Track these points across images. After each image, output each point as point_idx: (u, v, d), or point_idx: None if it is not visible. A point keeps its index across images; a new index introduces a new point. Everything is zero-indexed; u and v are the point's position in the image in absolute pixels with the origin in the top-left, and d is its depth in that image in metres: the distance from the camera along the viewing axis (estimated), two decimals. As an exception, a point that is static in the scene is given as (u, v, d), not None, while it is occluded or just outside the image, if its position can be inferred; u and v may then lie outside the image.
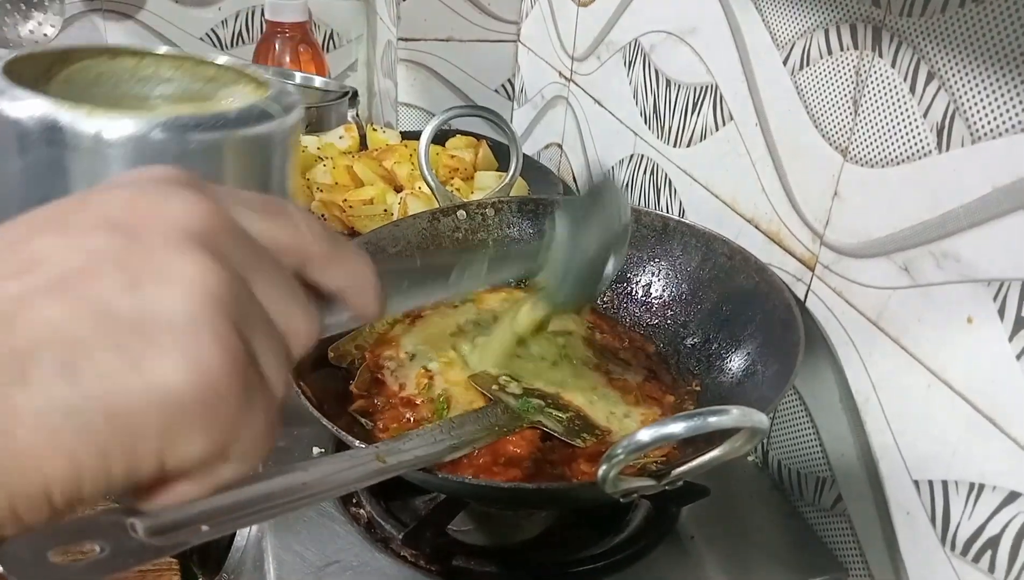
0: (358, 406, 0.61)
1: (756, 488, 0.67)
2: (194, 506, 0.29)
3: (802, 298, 0.64)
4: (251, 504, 0.33)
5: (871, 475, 0.58)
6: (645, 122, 0.88)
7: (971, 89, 0.48)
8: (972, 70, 0.48)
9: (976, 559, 0.50)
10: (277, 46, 1.21)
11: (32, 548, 0.26)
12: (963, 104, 0.48)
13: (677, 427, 0.43)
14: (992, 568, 0.49)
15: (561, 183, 1.07)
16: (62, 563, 0.27)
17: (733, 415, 0.44)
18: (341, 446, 0.66)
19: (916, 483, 0.54)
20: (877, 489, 0.58)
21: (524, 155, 0.86)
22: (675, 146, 0.83)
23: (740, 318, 0.65)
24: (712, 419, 0.43)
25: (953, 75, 0.49)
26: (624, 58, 0.92)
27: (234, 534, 0.61)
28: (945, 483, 0.52)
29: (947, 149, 0.50)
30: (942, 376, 0.51)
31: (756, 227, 0.70)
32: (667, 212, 0.84)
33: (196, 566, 0.64)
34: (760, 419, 0.43)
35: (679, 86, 0.81)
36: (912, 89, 0.52)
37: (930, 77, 0.51)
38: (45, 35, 1.27)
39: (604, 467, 0.44)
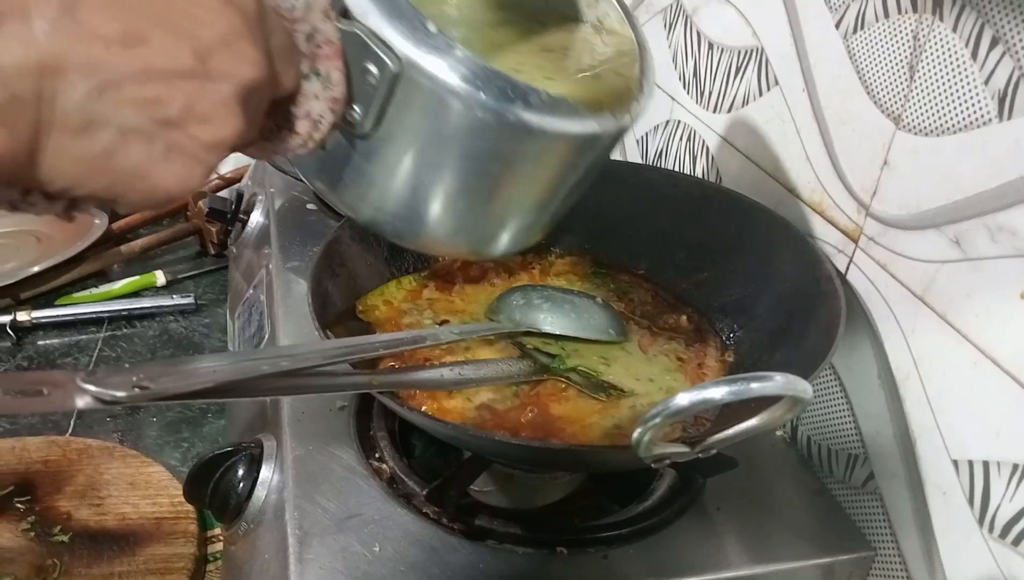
0: (384, 364, 0.60)
1: (784, 463, 0.66)
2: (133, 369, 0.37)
3: (843, 270, 0.62)
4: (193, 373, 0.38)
5: (907, 453, 0.57)
6: (684, 87, 0.86)
7: (1039, 55, 0.46)
8: (1041, 35, 0.46)
9: (1016, 542, 0.48)
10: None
11: None
12: (1030, 70, 0.46)
13: (718, 392, 0.41)
14: (1033, 552, 0.47)
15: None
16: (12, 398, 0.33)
17: (777, 382, 0.42)
18: (365, 402, 0.65)
19: (955, 463, 0.52)
20: (912, 468, 0.56)
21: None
22: (715, 112, 0.81)
23: (778, 289, 0.64)
24: (755, 385, 0.42)
25: (1019, 40, 0.47)
26: (664, 20, 0.89)
27: (254, 484, 0.61)
28: (986, 463, 0.50)
29: (1008, 118, 0.48)
30: (989, 353, 0.50)
31: (798, 197, 0.68)
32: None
33: (215, 515, 0.64)
34: (804, 387, 0.42)
35: (722, 49, 0.79)
36: (974, 55, 0.50)
37: (994, 42, 0.49)
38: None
39: (639, 430, 0.43)
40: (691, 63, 0.84)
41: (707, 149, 0.83)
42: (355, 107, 0.42)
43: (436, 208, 0.47)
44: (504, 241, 0.51)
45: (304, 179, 0.50)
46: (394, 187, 0.46)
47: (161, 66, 0.31)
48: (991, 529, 0.50)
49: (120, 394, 0.36)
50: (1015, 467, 0.48)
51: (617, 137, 0.49)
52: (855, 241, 0.61)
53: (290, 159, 0.44)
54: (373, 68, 0.41)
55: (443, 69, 0.41)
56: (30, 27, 0.27)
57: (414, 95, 0.42)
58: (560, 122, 0.44)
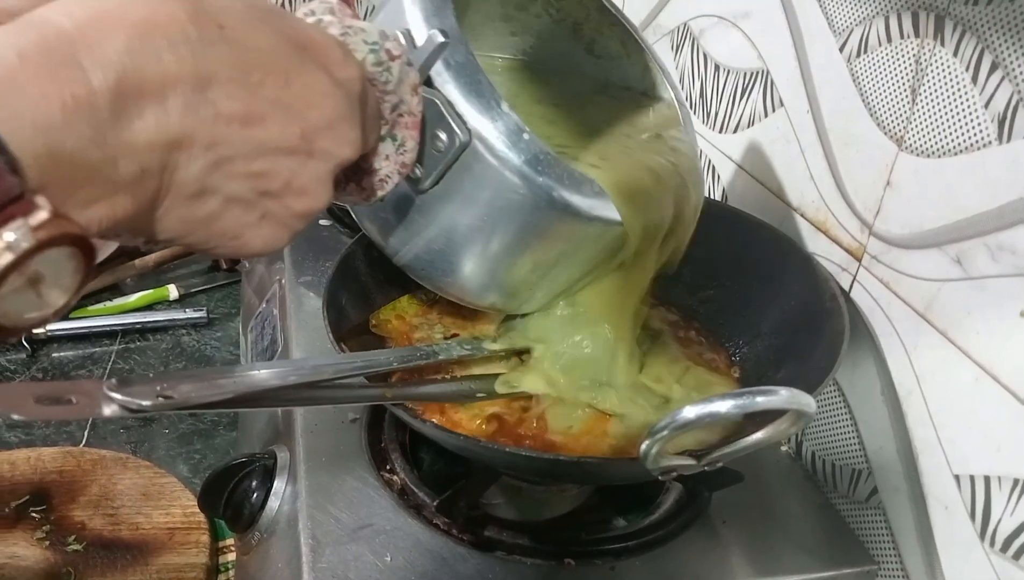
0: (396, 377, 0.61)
1: (789, 478, 0.67)
2: (157, 378, 0.38)
3: (847, 288, 0.63)
4: (208, 386, 0.40)
5: (909, 468, 0.57)
6: (691, 107, 0.87)
7: (1037, 80, 0.47)
8: (1039, 60, 0.47)
9: (1016, 556, 0.49)
10: None
11: (20, 392, 0.34)
12: (1028, 95, 0.48)
13: (724, 405, 0.42)
14: (1033, 566, 0.48)
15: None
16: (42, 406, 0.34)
17: (782, 396, 0.43)
18: (376, 414, 0.66)
19: (957, 478, 0.53)
20: (915, 483, 0.57)
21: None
22: (721, 132, 0.82)
23: (783, 307, 0.65)
24: (760, 399, 0.43)
25: (1018, 65, 0.48)
26: (672, 42, 0.91)
27: (268, 494, 0.62)
28: (988, 478, 0.51)
29: (1008, 140, 0.49)
30: (990, 370, 0.51)
31: (802, 216, 0.69)
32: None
33: (229, 524, 0.65)
34: (808, 402, 0.43)
35: (728, 71, 0.80)
36: (974, 79, 0.52)
37: (994, 67, 0.50)
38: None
39: (647, 443, 0.44)
40: (698, 84, 0.86)
41: (714, 169, 0.84)
42: (419, 166, 0.45)
43: (471, 266, 0.51)
44: (524, 302, 0.57)
45: (354, 217, 0.53)
46: (438, 241, 0.50)
47: (272, 144, 0.33)
48: (992, 543, 0.51)
49: (145, 402, 0.37)
50: (1016, 482, 0.49)
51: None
52: (859, 259, 0.62)
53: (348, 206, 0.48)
54: (443, 135, 0.45)
55: (508, 148, 0.45)
56: (165, 107, 0.29)
57: (476, 165, 0.46)
58: (603, 210, 0.49)
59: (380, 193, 0.43)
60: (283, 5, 1.47)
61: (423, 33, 0.45)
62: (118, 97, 0.28)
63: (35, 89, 0.26)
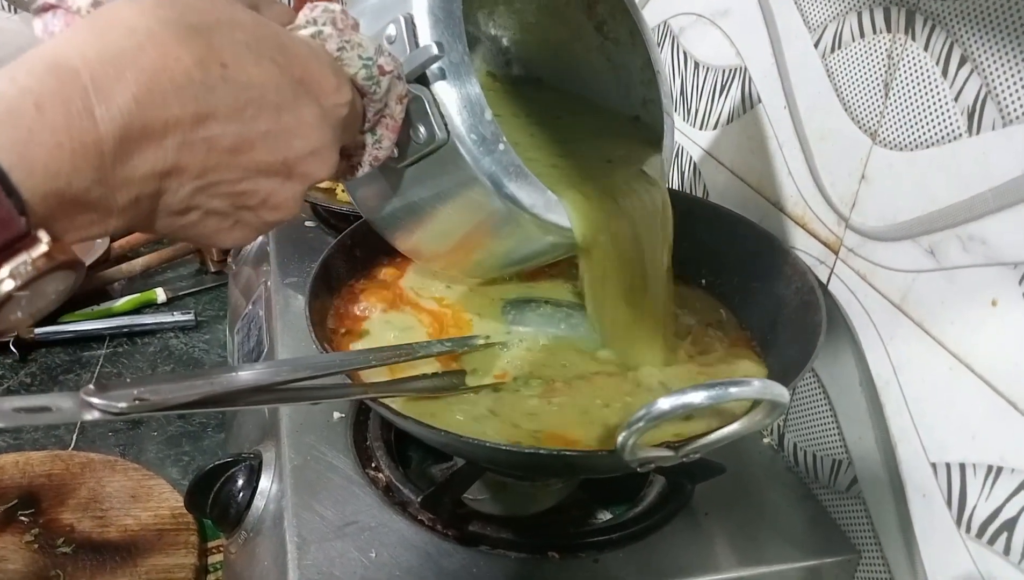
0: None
1: (771, 469, 0.68)
2: (134, 383, 0.40)
3: (825, 281, 0.64)
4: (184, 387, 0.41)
5: (888, 458, 0.58)
6: (672, 104, 0.88)
7: (1004, 73, 0.48)
8: (1006, 54, 0.48)
9: (991, 541, 0.50)
10: None
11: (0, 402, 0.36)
12: (995, 87, 0.48)
13: (697, 396, 0.43)
14: (1008, 550, 0.49)
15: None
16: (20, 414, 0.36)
17: (754, 387, 0.44)
18: (361, 412, 0.67)
19: (934, 466, 0.54)
20: (893, 472, 0.58)
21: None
22: (701, 129, 0.83)
23: (762, 300, 0.66)
24: (733, 390, 0.44)
25: (986, 59, 0.49)
26: (653, 40, 0.91)
27: (254, 493, 0.62)
28: (963, 466, 0.52)
29: (977, 132, 0.50)
30: (964, 359, 0.51)
31: (781, 210, 0.70)
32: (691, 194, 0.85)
33: (216, 524, 0.65)
34: (780, 392, 0.44)
35: (707, 68, 0.81)
36: (944, 72, 0.52)
37: (963, 61, 0.51)
38: None
39: (623, 435, 0.45)
40: (678, 81, 0.87)
41: (694, 164, 0.85)
42: (395, 150, 0.47)
43: (429, 241, 0.56)
44: (469, 273, 0.64)
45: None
46: (403, 212, 0.53)
47: (256, 169, 0.36)
48: (968, 529, 0.52)
49: (122, 405, 0.38)
50: (990, 468, 0.50)
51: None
52: (836, 252, 0.63)
53: None
54: (424, 130, 0.47)
55: (482, 155, 0.47)
56: (164, 145, 0.32)
57: (449, 163, 0.48)
58: (559, 228, 0.51)
59: (349, 176, 0.45)
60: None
61: (425, 24, 0.46)
62: (123, 142, 0.30)
63: (50, 139, 0.29)
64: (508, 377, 0.58)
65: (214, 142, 0.33)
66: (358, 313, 0.64)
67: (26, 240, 0.28)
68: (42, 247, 0.29)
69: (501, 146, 0.47)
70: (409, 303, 0.66)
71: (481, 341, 0.61)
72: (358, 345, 0.60)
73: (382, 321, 0.63)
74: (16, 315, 0.30)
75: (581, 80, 0.68)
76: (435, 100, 0.46)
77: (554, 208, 0.50)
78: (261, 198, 0.37)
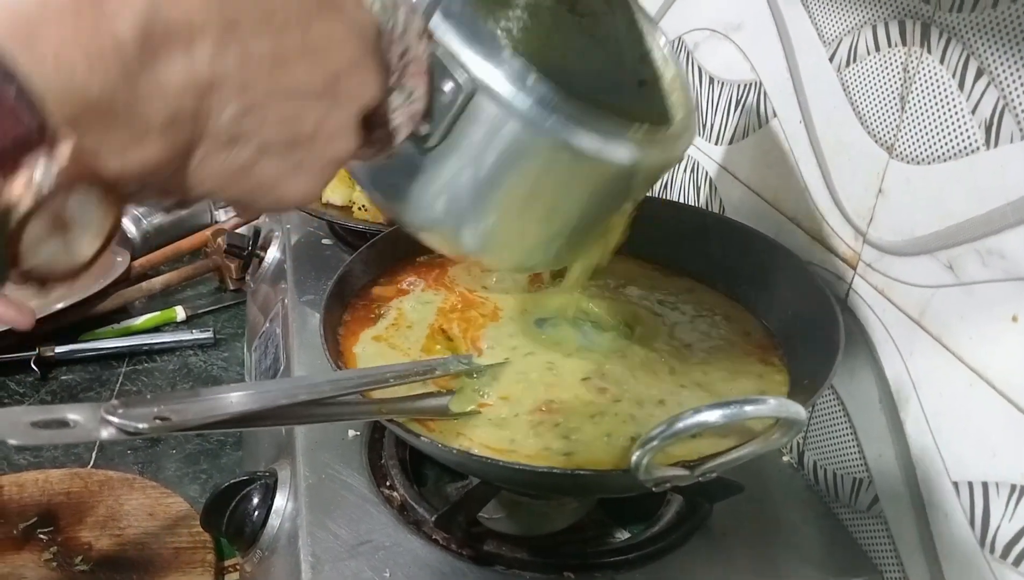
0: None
1: (791, 488, 0.67)
2: (154, 400, 0.39)
3: (843, 296, 0.63)
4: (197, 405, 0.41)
5: (908, 476, 0.57)
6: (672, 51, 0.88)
7: (1021, 85, 0.47)
8: (1023, 66, 0.47)
9: (1017, 563, 0.49)
10: None
11: (17, 416, 0.35)
12: (1013, 100, 0.48)
13: (712, 415, 0.43)
14: (1032, 572, 0.48)
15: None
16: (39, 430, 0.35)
17: (770, 405, 0.44)
18: (376, 431, 0.67)
19: (955, 484, 0.53)
20: (914, 490, 0.57)
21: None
22: (716, 144, 0.83)
23: (779, 316, 0.65)
24: (748, 408, 0.43)
25: (1004, 71, 0.48)
26: (668, 56, 0.91)
27: (269, 512, 0.62)
28: (985, 484, 0.51)
29: (995, 145, 0.49)
30: (984, 375, 0.51)
31: (798, 225, 0.69)
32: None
33: (231, 542, 0.65)
34: (797, 410, 0.43)
35: (722, 83, 0.81)
36: (961, 85, 0.52)
37: (979, 73, 0.50)
38: None
39: (638, 454, 0.44)
40: (693, 97, 0.86)
41: (710, 180, 0.84)
42: (425, 124, 0.44)
43: (483, 221, 0.49)
44: (532, 259, 0.54)
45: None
46: (447, 196, 0.48)
47: (300, 89, 0.33)
48: (992, 550, 0.51)
49: (142, 426, 0.38)
50: (1013, 488, 0.49)
51: (660, 169, 0.51)
52: (853, 267, 0.62)
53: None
54: (447, 87, 0.43)
55: (514, 93, 0.43)
56: (193, 51, 0.29)
57: (483, 114, 0.44)
58: (616, 149, 0.46)
59: (392, 144, 0.42)
60: None
61: None
62: (145, 42, 0.27)
63: (56, 33, 0.25)
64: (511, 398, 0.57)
65: (248, 55, 0.31)
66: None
67: (43, 142, 0.24)
68: (64, 151, 0.24)
69: (531, 79, 0.44)
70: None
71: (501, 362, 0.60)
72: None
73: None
74: (48, 257, 0.26)
75: (574, 75, 0.64)
76: (449, 52, 0.43)
77: (607, 124, 0.45)
78: (313, 125, 0.34)
